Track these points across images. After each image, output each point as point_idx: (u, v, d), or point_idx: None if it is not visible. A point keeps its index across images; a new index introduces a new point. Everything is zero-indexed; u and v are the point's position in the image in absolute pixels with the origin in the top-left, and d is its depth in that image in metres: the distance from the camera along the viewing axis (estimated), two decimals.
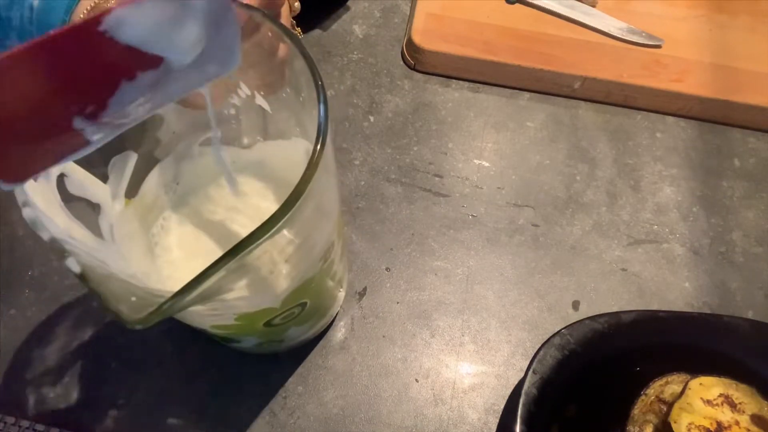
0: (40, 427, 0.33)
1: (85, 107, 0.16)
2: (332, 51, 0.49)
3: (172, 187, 0.30)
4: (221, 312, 0.24)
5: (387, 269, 0.41)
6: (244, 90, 0.26)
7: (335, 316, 0.38)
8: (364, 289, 0.40)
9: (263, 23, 0.21)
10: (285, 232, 0.19)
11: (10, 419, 0.33)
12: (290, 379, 0.37)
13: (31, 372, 0.36)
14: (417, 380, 0.37)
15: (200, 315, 0.24)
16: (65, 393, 0.35)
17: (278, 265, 0.23)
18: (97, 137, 0.17)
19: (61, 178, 0.21)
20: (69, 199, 0.21)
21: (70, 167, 0.21)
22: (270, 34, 0.21)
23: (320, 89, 0.20)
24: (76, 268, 0.17)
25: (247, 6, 0.21)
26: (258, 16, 0.21)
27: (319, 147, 0.19)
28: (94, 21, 0.15)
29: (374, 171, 0.44)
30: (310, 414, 0.36)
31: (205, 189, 0.30)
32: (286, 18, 0.29)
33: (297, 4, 0.31)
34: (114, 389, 0.36)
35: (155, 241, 0.29)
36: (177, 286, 0.17)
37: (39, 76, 0.14)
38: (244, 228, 0.29)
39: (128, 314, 0.16)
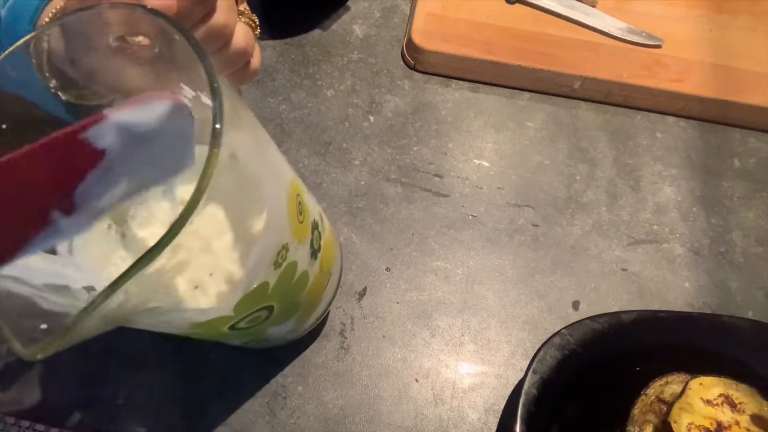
0: (40, 427, 0.33)
1: (57, 202, 0.17)
2: (332, 51, 0.49)
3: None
4: (166, 325, 0.23)
5: (387, 269, 0.41)
6: (188, 90, 0.24)
7: (328, 312, 0.38)
8: (364, 289, 0.40)
9: (171, 29, 0.20)
10: (195, 233, 0.17)
11: (10, 419, 0.33)
12: (290, 379, 0.37)
13: (31, 372, 0.36)
14: (417, 380, 0.37)
15: (151, 325, 0.23)
16: (65, 393, 0.35)
17: (208, 274, 0.22)
18: (71, 228, 0.18)
19: None
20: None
21: None
22: (177, 38, 0.20)
23: (204, 56, 0.18)
24: None
25: (157, 14, 0.20)
26: (163, 23, 0.20)
27: (215, 141, 0.17)
28: (80, 128, 0.15)
29: (374, 171, 0.44)
30: (310, 414, 0.36)
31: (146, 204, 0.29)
32: (228, 9, 0.27)
33: None
34: (114, 389, 0.36)
35: (114, 247, 0.28)
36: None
37: (21, 179, 0.16)
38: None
39: (23, 348, 0.15)
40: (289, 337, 0.35)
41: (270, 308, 0.27)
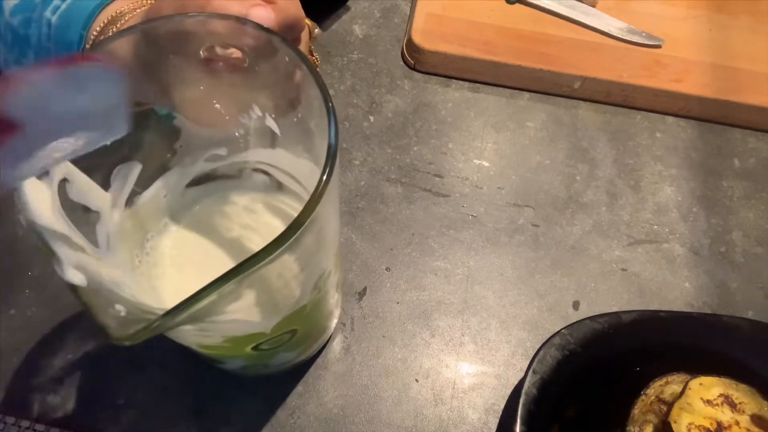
0: (40, 427, 0.33)
1: None
2: (332, 51, 0.49)
3: (176, 199, 0.29)
4: (210, 333, 0.24)
5: (387, 269, 0.41)
6: (256, 111, 0.26)
7: (325, 344, 0.38)
8: (364, 289, 0.40)
9: (281, 48, 0.21)
10: (283, 259, 0.19)
11: (10, 419, 0.33)
12: (290, 379, 0.37)
13: (31, 372, 0.36)
14: (417, 380, 0.37)
15: (189, 333, 0.24)
16: (65, 393, 0.35)
17: (272, 292, 0.23)
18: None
19: (63, 182, 0.21)
20: (69, 205, 0.21)
21: (74, 173, 0.21)
22: (287, 59, 0.21)
23: (332, 117, 0.20)
24: (70, 277, 0.16)
25: (266, 30, 0.21)
26: (276, 40, 0.21)
27: (325, 177, 0.19)
28: None
29: (374, 171, 0.44)
30: (310, 414, 0.36)
31: (217, 205, 0.30)
32: (305, 44, 0.28)
33: (317, 30, 0.31)
34: (114, 389, 0.36)
35: (147, 252, 0.28)
36: (165, 302, 0.16)
37: None
38: (245, 248, 0.28)
39: (116, 329, 0.16)
40: (283, 367, 0.35)
41: (294, 332, 0.28)
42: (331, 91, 0.47)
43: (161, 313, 0.16)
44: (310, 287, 0.25)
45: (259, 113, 0.26)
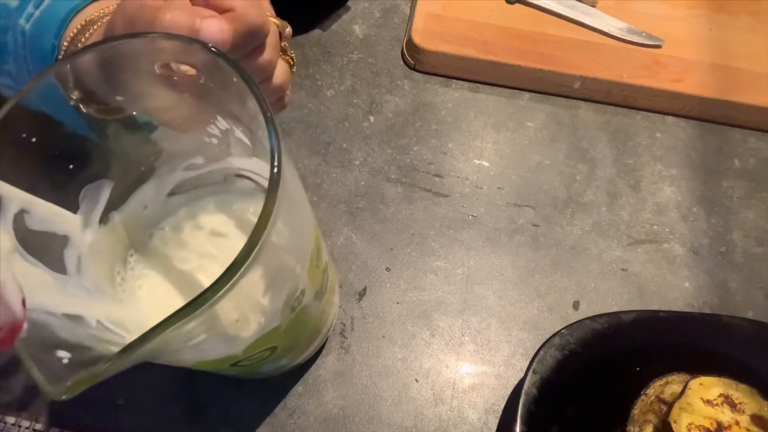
0: (40, 427, 0.33)
1: None
2: (332, 51, 0.49)
3: (158, 210, 0.29)
4: (178, 361, 0.24)
5: (387, 269, 0.41)
6: (222, 122, 0.25)
7: (324, 345, 0.38)
8: (364, 289, 0.40)
9: (226, 68, 0.20)
10: (239, 288, 0.18)
11: (10, 419, 0.33)
12: (290, 379, 0.37)
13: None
14: (417, 380, 0.37)
15: (163, 360, 0.23)
16: None
17: (229, 324, 0.22)
18: None
19: (20, 214, 0.20)
20: (29, 237, 0.20)
21: (32, 202, 0.20)
22: (235, 79, 0.20)
23: (272, 132, 0.18)
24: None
25: (212, 50, 0.20)
26: (221, 62, 0.20)
27: (272, 193, 0.17)
28: None
29: (374, 171, 0.44)
30: (310, 414, 0.36)
31: (178, 234, 0.29)
32: (273, 47, 0.27)
33: (288, 30, 0.31)
34: (114, 389, 0.36)
35: (131, 267, 0.28)
36: (149, 314, 0.15)
37: None
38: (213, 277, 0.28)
39: (50, 383, 0.15)
40: (278, 372, 0.35)
41: (273, 348, 0.27)
42: (331, 91, 0.47)
43: (115, 350, 0.16)
44: (279, 309, 0.24)
45: (226, 125, 0.25)
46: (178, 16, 0.22)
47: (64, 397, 0.15)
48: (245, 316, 0.22)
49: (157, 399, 0.35)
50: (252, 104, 0.19)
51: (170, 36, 0.21)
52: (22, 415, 0.34)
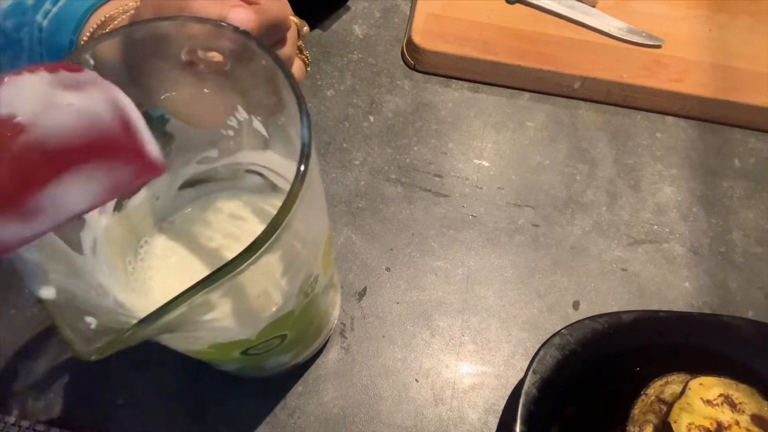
0: (40, 427, 0.33)
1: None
2: (332, 51, 0.49)
3: (169, 203, 0.29)
4: (193, 340, 0.24)
5: (387, 269, 0.41)
6: (242, 113, 0.25)
7: (324, 344, 0.38)
8: (364, 289, 0.40)
9: (258, 52, 0.20)
10: (258, 266, 0.18)
11: (10, 419, 0.33)
12: (290, 379, 0.37)
13: (32, 372, 0.36)
14: (417, 380, 0.37)
15: (172, 341, 0.24)
16: (65, 393, 0.35)
17: (250, 300, 0.22)
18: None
19: None
20: None
21: None
22: (264, 63, 0.21)
23: (304, 116, 0.19)
24: (36, 290, 0.16)
25: (244, 33, 0.20)
26: (253, 44, 0.20)
27: (299, 177, 0.18)
28: None
29: (374, 171, 0.44)
30: (310, 414, 0.36)
31: (200, 213, 0.30)
32: (292, 43, 0.28)
33: (306, 29, 0.31)
34: (114, 389, 0.36)
35: (141, 258, 0.28)
36: (157, 305, 0.16)
37: None
38: (236, 251, 0.28)
39: (80, 344, 0.16)
40: (281, 369, 0.35)
41: (284, 337, 0.28)
42: (331, 91, 0.47)
43: (134, 322, 0.16)
44: (295, 293, 0.25)
45: (246, 115, 0.25)
46: (207, 4, 0.23)
47: (93, 357, 0.16)
48: (266, 293, 0.23)
49: (157, 399, 0.35)
50: (281, 82, 0.20)
51: (201, 19, 0.21)
52: (22, 414, 0.34)
